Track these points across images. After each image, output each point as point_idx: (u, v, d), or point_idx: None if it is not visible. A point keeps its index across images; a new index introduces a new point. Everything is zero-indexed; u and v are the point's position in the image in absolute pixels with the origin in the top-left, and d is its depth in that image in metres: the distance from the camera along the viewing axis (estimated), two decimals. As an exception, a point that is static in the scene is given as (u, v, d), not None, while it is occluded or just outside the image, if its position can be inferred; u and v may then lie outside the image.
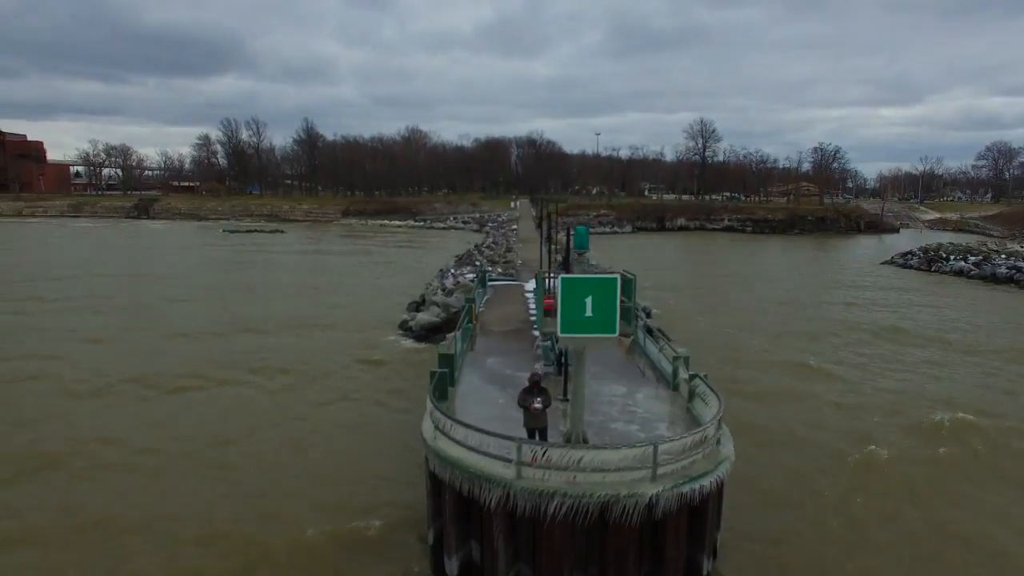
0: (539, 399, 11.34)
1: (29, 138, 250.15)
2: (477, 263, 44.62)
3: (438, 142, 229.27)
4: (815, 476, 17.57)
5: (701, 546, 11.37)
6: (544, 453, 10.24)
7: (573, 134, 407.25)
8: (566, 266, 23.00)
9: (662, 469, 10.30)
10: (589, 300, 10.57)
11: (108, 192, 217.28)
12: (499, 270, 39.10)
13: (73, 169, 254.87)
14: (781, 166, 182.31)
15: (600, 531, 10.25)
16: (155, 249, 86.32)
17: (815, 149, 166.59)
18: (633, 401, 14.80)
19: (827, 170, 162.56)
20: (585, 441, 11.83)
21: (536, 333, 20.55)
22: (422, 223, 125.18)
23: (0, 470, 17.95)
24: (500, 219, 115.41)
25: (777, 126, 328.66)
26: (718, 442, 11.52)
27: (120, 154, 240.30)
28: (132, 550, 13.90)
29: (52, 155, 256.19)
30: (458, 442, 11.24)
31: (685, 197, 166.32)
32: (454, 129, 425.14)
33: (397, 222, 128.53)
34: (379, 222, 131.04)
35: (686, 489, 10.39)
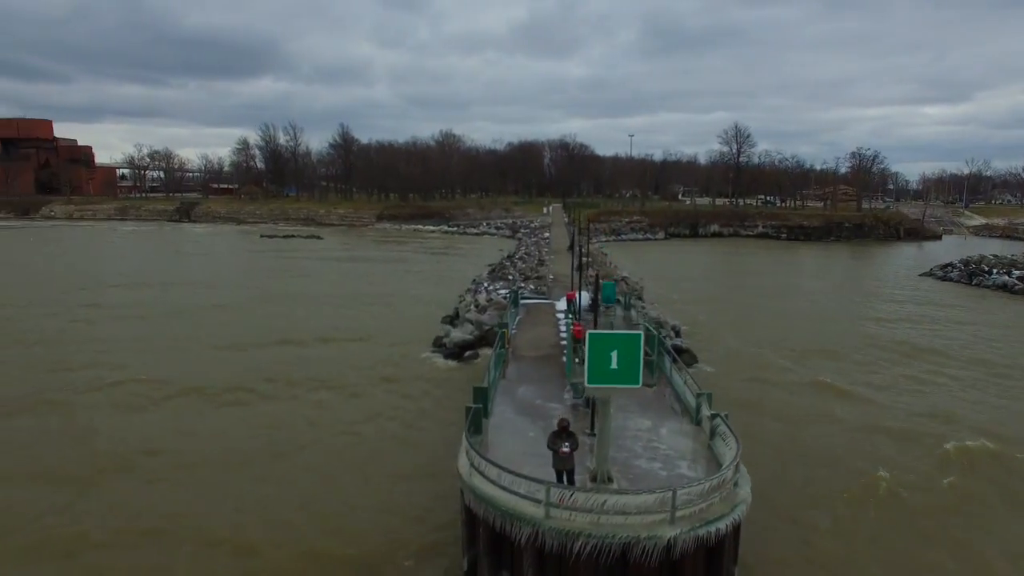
0: (567, 443, 12.20)
1: (77, 141, 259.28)
2: (510, 277, 45.59)
3: (471, 145, 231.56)
4: (833, 501, 18.06)
5: (721, 570, 12.11)
6: (571, 496, 11.10)
7: (606, 135, 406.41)
8: (595, 288, 23.83)
9: (680, 512, 11.09)
10: (614, 354, 11.40)
11: (151, 194, 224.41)
12: (531, 287, 39.97)
13: (119, 172, 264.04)
14: (819, 168, 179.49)
15: (622, 570, 11.06)
16: (197, 255, 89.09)
17: (853, 154, 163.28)
18: (657, 436, 15.57)
19: (866, 174, 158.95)
20: (610, 479, 12.66)
21: (565, 359, 21.39)
22: (455, 228, 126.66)
23: (66, 478, 19.58)
24: (532, 225, 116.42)
25: (813, 126, 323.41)
26: (735, 484, 12.25)
27: (163, 158, 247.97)
28: (176, 556, 15.33)
29: (98, 157, 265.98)
30: (491, 480, 12.16)
31: (719, 201, 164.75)
32: (487, 130, 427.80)
33: (431, 227, 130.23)
34: (413, 227, 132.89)
35: (703, 532, 11.16)
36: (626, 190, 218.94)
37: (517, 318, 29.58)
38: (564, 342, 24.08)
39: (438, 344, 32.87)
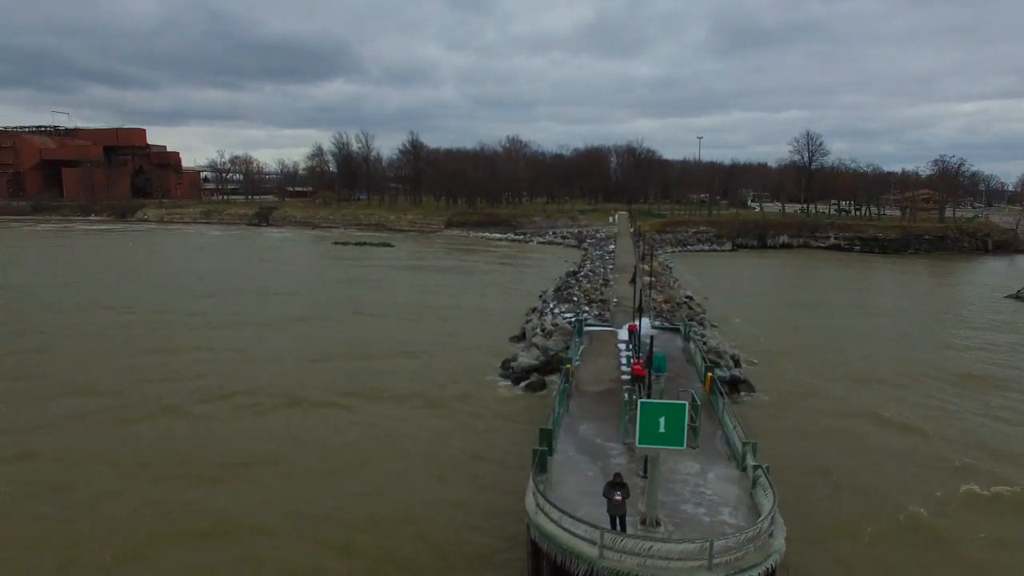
0: (619, 492, 14.06)
1: (167, 147, 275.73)
2: (574, 299, 47.44)
3: (537, 150, 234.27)
4: (877, 540, 19.17)
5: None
6: (621, 541, 12.97)
7: (674, 135, 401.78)
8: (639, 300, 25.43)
9: (717, 560, 12.78)
10: (662, 419, 13.23)
11: (232, 196, 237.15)
12: (595, 311, 41.72)
13: (202, 175, 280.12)
14: (900, 171, 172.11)
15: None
16: (278, 262, 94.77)
17: (935, 161, 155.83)
18: (704, 481, 17.22)
19: (951, 181, 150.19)
20: (658, 523, 14.48)
21: (625, 396, 23.15)
22: (522, 236, 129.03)
23: (193, 476, 23.12)
24: (598, 235, 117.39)
25: (897, 123, 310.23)
26: (771, 535, 13.84)
27: (243, 162, 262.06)
28: (272, 549, 18.42)
29: (183, 159, 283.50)
30: (554, 521, 14.16)
31: (790, 207, 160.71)
32: (552, 130, 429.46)
33: (498, 235, 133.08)
34: (480, 234, 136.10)
35: (737, 572, 12.83)
36: (694, 195, 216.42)
37: (581, 348, 31.44)
38: (625, 378, 25.79)
39: (506, 367, 35.07)
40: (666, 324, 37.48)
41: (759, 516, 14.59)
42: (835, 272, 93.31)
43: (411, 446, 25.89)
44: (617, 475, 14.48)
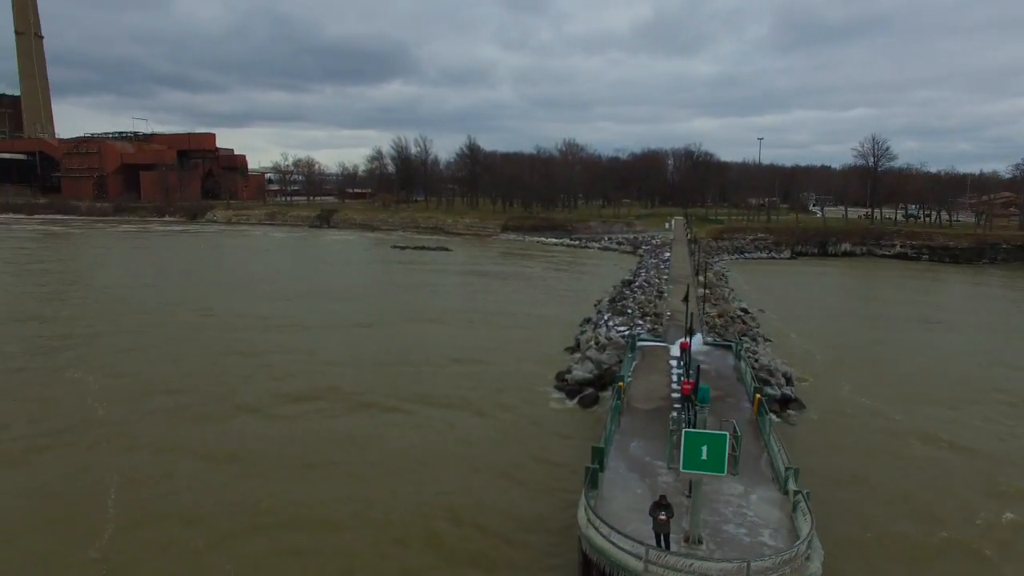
0: (664, 512, 15.24)
1: (234, 150, 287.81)
2: (628, 311, 48.35)
3: (593, 153, 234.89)
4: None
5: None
6: (664, 557, 14.18)
7: (734, 135, 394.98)
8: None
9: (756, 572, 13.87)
10: (705, 447, 14.37)
11: (294, 197, 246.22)
12: (648, 325, 42.58)
13: (266, 176, 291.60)
14: (979, 172, 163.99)
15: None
16: (340, 265, 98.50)
17: (1017, 165, 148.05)
18: (747, 503, 18.21)
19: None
20: (700, 541, 15.61)
21: (674, 415, 24.20)
22: (577, 242, 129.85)
23: (272, 473, 25.60)
24: (654, 241, 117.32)
25: (976, 120, 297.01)
26: (807, 558, 14.80)
27: (305, 165, 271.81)
28: (340, 538, 20.60)
29: (247, 158, 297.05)
30: (603, 535, 15.46)
31: (854, 211, 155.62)
32: (610, 130, 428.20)
33: (553, 240, 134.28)
34: (536, 239, 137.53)
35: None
36: (753, 199, 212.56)
37: (633, 364, 32.50)
38: (675, 395, 26.80)
39: (560, 379, 36.41)
40: (718, 340, 38.11)
41: (798, 539, 15.55)
42: (900, 283, 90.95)
43: (466, 452, 27.67)
44: (662, 496, 15.67)
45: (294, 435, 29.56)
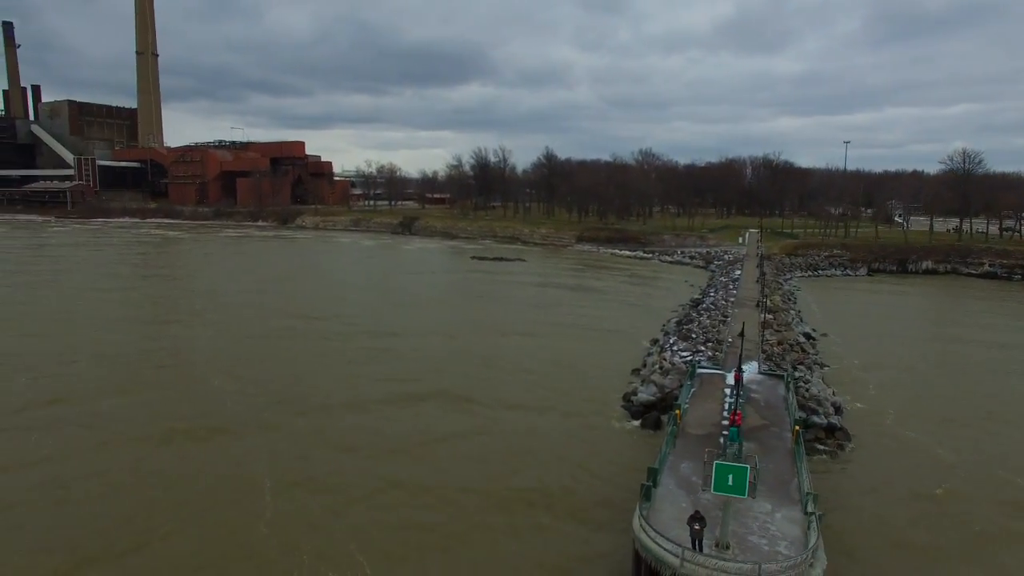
0: (698, 523, 19.80)
1: (306, 145, 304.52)
2: (692, 336, 52.25)
3: (669, 160, 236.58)
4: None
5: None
6: (695, 558, 18.77)
7: (820, 134, 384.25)
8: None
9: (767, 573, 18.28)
10: (731, 476, 18.88)
11: (377, 202, 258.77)
12: (709, 352, 46.48)
13: (349, 179, 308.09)
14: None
15: (726, 607, 18.54)
16: (426, 273, 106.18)
17: None
18: (772, 520, 22.47)
19: None
20: (727, 547, 20.08)
21: (721, 439, 28.50)
22: (650, 255, 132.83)
23: (384, 457, 32.46)
24: (726, 256, 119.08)
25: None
26: (811, 565, 19.04)
27: (388, 172, 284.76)
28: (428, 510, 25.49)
29: (328, 159, 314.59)
30: (651, 538, 20.16)
31: (945, 222, 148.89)
32: (687, 130, 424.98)
33: (627, 252, 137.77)
34: (610, 251, 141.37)
35: (785, 590, 18.26)
36: (834, 208, 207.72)
37: (692, 391, 36.73)
38: (725, 422, 31.00)
39: (627, 399, 40.99)
40: (772, 370, 41.65)
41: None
42: (981, 306, 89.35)
43: (537, 456, 33.35)
44: (697, 511, 20.25)
45: (396, 426, 36.94)
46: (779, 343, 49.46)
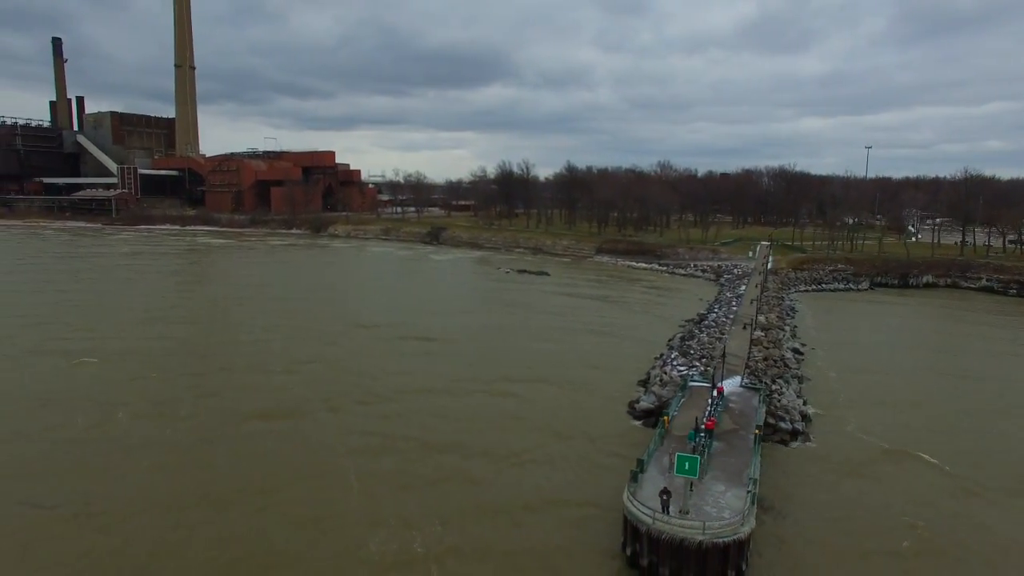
0: (666, 495, 28.63)
1: (329, 147, 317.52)
2: (691, 352, 60.88)
3: (687, 168, 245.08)
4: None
5: (729, 566, 27.70)
6: (663, 517, 27.67)
7: (845, 134, 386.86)
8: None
9: (707, 532, 27.08)
10: (687, 463, 27.76)
11: (404, 208, 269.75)
12: (702, 367, 55.06)
13: (372, 185, 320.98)
14: None
15: (680, 551, 27.34)
16: (459, 286, 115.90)
17: None
18: (723, 496, 31.21)
19: None
20: (687, 512, 28.96)
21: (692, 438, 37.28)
22: (665, 267, 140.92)
23: (433, 444, 40.41)
24: (735, 270, 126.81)
25: None
26: (741, 523, 27.78)
27: (415, 180, 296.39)
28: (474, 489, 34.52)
29: (351, 160, 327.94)
30: (635, 506, 29.06)
31: (956, 232, 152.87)
32: (709, 131, 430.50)
33: (643, 264, 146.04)
34: (627, 263, 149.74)
35: (717, 541, 27.02)
36: (849, 217, 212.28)
37: (681, 401, 45.45)
38: (702, 426, 39.74)
39: (631, 406, 49.86)
40: (752, 384, 50.09)
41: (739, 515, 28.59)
42: (970, 318, 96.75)
43: (562, 434, 42.87)
44: (665, 487, 29.12)
45: (446, 417, 47.61)
46: (765, 359, 57.81)
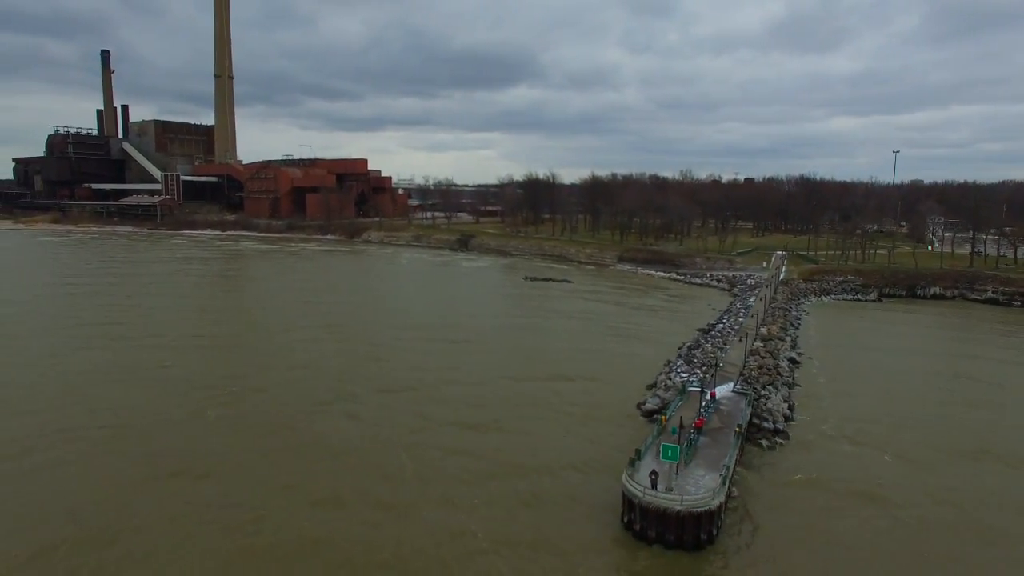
0: (654, 475, 36.82)
1: (357, 148, 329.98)
2: (695, 360, 68.77)
3: (711, 175, 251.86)
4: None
5: (702, 530, 35.78)
6: (651, 491, 35.90)
7: (877, 134, 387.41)
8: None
9: (684, 503, 35.24)
10: (671, 451, 36.00)
11: (435, 214, 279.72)
12: (700, 375, 62.93)
13: (401, 190, 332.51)
14: None
15: (664, 518, 35.54)
16: (490, 292, 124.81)
17: None
18: (702, 479, 39.26)
19: None
20: (670, 490, 37.21)
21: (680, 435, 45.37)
22: (683, 277, 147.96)
23: (465, 426, 48.98)
24: (749, 280, 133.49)
25: None
26: (713, 497, 35.91)
27: (444, 186, 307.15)
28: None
29: (378, 161, 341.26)
30: (630, 484, 37.36)
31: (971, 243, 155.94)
32: (739, 131, 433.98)
33: (662, 273, 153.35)
34: (646, 271, 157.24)
35: (693, 510, 35.19)
36: (873, 224, 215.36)
37: (679, 403, 53.49)
38: (694, 424, 47.82)
39: (639, 406, 58.02)
40: (743, 389, 57.86)
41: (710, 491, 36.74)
42: (970, 327, 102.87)
43: (567, 436, 50.99)
44: (654, 469, 37.34)
45: (497, 393, 56.69)
46: (759, 367, 65.47)
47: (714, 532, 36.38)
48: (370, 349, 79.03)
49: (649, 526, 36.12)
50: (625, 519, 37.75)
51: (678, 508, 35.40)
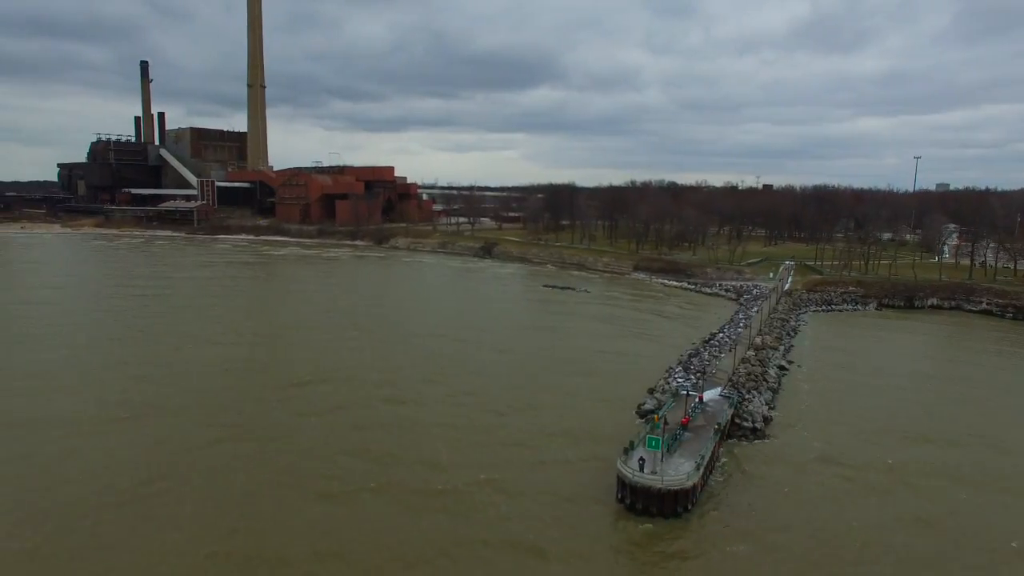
0: (641, 459, 46.37)
1: (381, 149, 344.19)
2: (691, 367, 78.10)
3: (726, 183, 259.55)
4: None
5: (679, 504, 45.28)
6: (640, 473, 45.54)
7: (905, 134, 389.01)
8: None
9: (664, 483, 44.81)
10: (655, 441, 45.65)
11: (459, 220, 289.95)
12: (694, 380, 72.23)
13: (425, 195, 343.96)
14: None
15: (648, 495, 45.10)
16: (514, 297, 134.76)
17: None
18: (681, 466, 48.69)
19: None
20: (655, 473, 46.86)
21: (674, 430, 54.87)
22: (693, 286, 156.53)
23: (493, 410, 58.97)
24: (755, 291, 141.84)
25: None
26: (688, 478, 45.44)
27: (468, 192, 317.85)
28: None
29: (402, 163, 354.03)
30: (624, 468, 47.00)
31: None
32: (762, 132, 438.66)
33: (674, 283, 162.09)
34: (660, 280, 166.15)
35: (672, 488, 44.74)
36: (886, 233, 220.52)
37: (672, 405, 62.90)
38: (682, 422, 57.20)
39: (638, 407, 67.56)
40: (729, 393, 67.07)
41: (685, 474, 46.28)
42: (961, 335, 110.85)
43: (574, 424, 60.59)
44: (641, 456, 46.92)
45: (517, 384, 64.68)
46: (748, 374, 74.60)
47: (689, 506, 45.91)
48: (411, 353, 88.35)
49: (637, 500, 45.73)
50: (619, 496, 47.41)
51: (659, 487, 45.00)
